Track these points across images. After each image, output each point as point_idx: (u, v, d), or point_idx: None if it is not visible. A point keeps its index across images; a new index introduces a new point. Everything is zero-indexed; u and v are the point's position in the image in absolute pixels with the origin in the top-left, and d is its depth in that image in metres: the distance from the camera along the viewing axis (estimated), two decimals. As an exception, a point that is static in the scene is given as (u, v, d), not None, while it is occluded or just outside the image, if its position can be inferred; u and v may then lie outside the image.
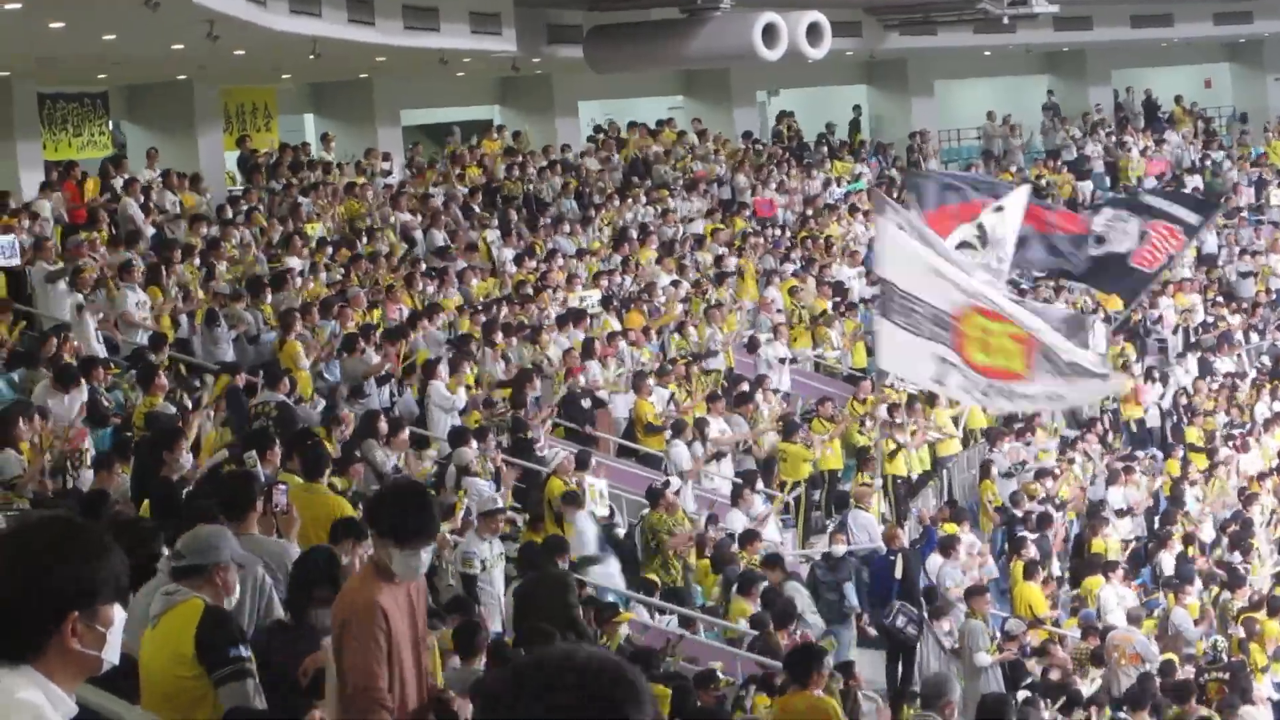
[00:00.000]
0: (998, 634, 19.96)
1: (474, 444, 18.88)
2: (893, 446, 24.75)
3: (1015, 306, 18.86)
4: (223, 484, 11.51)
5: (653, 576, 18.95)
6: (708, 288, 29.27)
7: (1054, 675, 19.20)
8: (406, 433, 18.74)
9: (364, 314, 23.00)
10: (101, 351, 19.23)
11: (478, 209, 30.39)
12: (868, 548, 21.38)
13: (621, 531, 19.98)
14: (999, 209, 20.91)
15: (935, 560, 21.69)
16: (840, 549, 20.41)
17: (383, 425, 18.18)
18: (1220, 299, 36.68)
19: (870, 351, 29.60)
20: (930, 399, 26.22)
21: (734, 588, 18.46)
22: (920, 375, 19.86)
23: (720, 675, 14.87)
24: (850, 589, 19.96)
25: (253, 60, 26.89)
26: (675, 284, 28.73)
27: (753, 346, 27.52)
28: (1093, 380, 18.81)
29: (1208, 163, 43.85)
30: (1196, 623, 22.79)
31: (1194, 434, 30.87)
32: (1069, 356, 17.90)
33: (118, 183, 25.53)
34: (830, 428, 24.98)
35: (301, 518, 11.50)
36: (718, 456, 23.22)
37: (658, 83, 39.66)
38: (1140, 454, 29.43)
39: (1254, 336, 35.75)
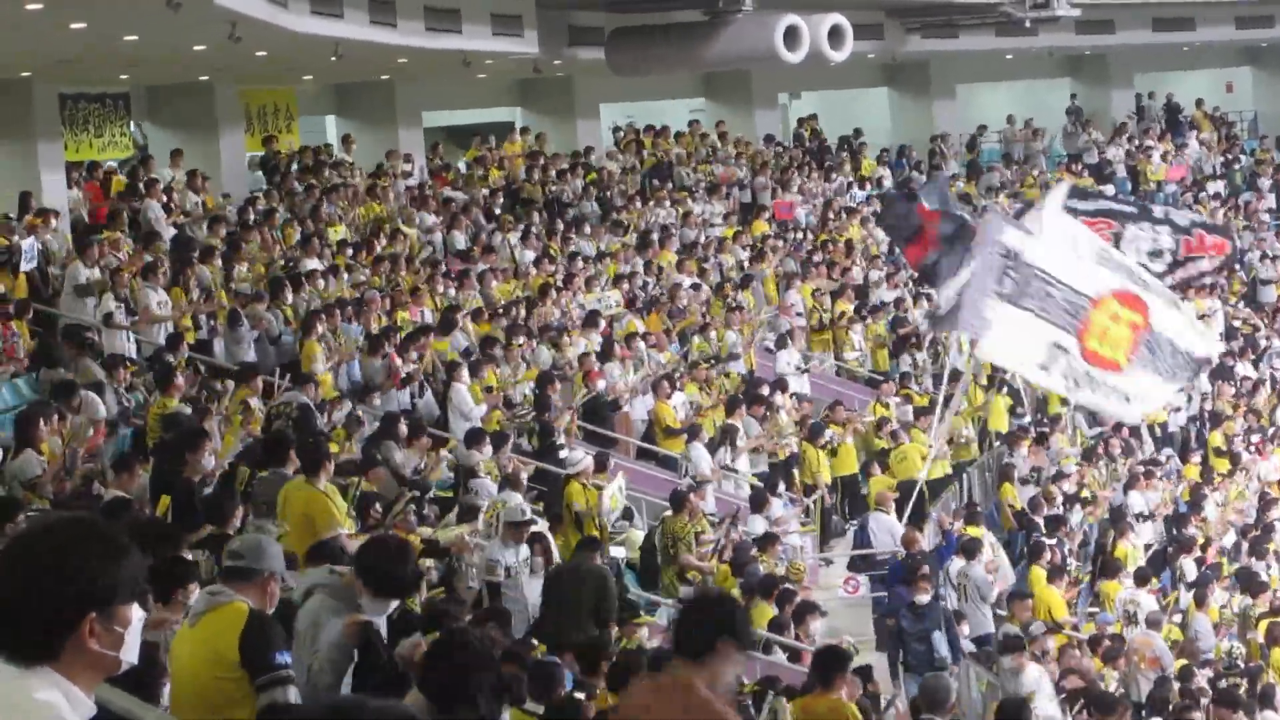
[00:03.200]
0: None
1: (487, 449, 18.80)
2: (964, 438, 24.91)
3: (1160, 285, 18.44)
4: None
5: (669, 583, 18.90)
6: (729, 291, 29.25)
7: (1069, 681, 19.08)
8: (426, 435, 18.74)
9: (380, 318, 22.95)
10: (132, 352, 19.30)
11: (499, 211, 30.38)
12: (887, 551, 21.31)
13: (640, 534, 19.92)
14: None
15: (957, 563, 21.60)
16: (925, 597, 18.88)
17: (402, 428, 18.23)
18: (1243, 304, 36.61)
19: (894, 355, 29.60)
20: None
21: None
22: (1025, 362, 19.15)
23: (744, 680, 14.80)
24: (940, 638, 18.70)
25: (274, 61, 26.88)
26: (696, 287, 28.70)
27: (779, 345, 27.48)
28: (1174, 382, 18.37)
29: (1235, 167, 43.76)
30: (1216, 628, 22.71)
31: (1216, 439, 30.77)
32: (1181, 344, 17.52)
33: (142, 183, 25.53)
34: (842, 431, 24.95)
35: (296, 515, 11.54)
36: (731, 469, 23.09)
37: (679, 85, 39.62)
38: (1160, 458, 29.34)
39: (1276, 341, 35.65)
